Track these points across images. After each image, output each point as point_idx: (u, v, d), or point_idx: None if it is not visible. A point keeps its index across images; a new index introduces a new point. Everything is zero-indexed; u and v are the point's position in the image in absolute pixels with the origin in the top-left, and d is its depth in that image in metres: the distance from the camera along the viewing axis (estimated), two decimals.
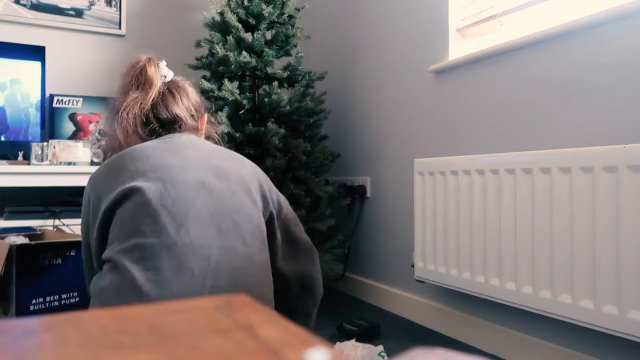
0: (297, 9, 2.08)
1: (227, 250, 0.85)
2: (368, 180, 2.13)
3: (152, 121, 1.00)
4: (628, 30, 1.15)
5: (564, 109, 1.30)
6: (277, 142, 1.83)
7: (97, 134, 2.03)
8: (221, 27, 2.01)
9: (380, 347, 1.33)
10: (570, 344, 1.27)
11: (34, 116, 2.02)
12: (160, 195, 0.84)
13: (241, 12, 1.96)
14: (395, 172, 1.96)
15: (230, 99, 1.88)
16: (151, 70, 1.02)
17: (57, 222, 1.73)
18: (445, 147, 1.70)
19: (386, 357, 1.31)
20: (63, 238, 1.50)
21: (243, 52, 1.89)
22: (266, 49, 1.95)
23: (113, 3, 2.33)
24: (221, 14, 1.97)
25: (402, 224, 1.92)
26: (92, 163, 1.93)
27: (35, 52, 2.03)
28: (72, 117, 2.19)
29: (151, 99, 1.00)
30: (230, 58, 1.88)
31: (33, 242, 1.29)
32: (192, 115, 1.05)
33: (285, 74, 1.96)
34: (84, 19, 2.29)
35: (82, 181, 1.82)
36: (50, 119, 2.15)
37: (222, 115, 1.86)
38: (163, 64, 1.06)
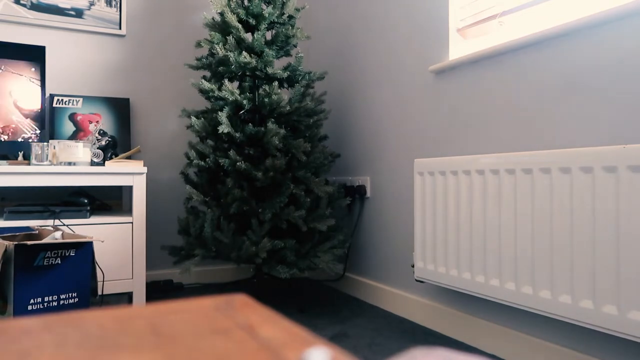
0: (297, 9, 2.08)
1: None
2: (368, 180, 2.13)
3: None
4: (628, 30, 1.15)
5: (564, 109, 1.30)
6: (277, 142, 1.83)
7: (97, 134, 2.02)
8: (221, 27, 2.01)
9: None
10: (570, 344, 1.27)
11: (34, 116, 2.02)
12: None
13: (241, 12, 1.96)
14: (395, 172, 1.96)
15: (230, 99, 1.88)
16: None
17: (57, 222, 1.73)
18: (445, 147, 1.70)
19: None
20: (73, 239, 1.50)
21: (243, 52, 1.89)
22: (266, 49, 1.95)
23: (113, 3, 2.33)
24: (221, 14, 1.97)
25: (402, 224, 1.92)
26: (92, 163, 1.92)
27: (35, 52, 2.03)
28: (72, 117, 2.19)
29: None
30: (231, 58, 1.88)
31: (30, 242, 1.28)
32: None
33: (285, 74, 1.95)
34: (84, 19, 2.29)
35: (82, 181, 1.81)
36: (50, 119, 2.15)
37: (222, 115, 1.86)
38: None
